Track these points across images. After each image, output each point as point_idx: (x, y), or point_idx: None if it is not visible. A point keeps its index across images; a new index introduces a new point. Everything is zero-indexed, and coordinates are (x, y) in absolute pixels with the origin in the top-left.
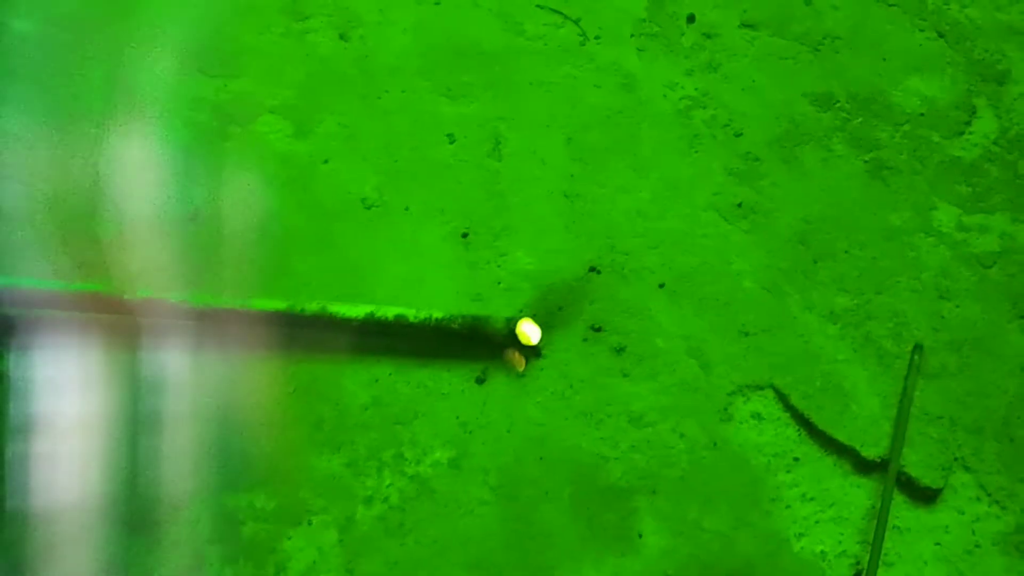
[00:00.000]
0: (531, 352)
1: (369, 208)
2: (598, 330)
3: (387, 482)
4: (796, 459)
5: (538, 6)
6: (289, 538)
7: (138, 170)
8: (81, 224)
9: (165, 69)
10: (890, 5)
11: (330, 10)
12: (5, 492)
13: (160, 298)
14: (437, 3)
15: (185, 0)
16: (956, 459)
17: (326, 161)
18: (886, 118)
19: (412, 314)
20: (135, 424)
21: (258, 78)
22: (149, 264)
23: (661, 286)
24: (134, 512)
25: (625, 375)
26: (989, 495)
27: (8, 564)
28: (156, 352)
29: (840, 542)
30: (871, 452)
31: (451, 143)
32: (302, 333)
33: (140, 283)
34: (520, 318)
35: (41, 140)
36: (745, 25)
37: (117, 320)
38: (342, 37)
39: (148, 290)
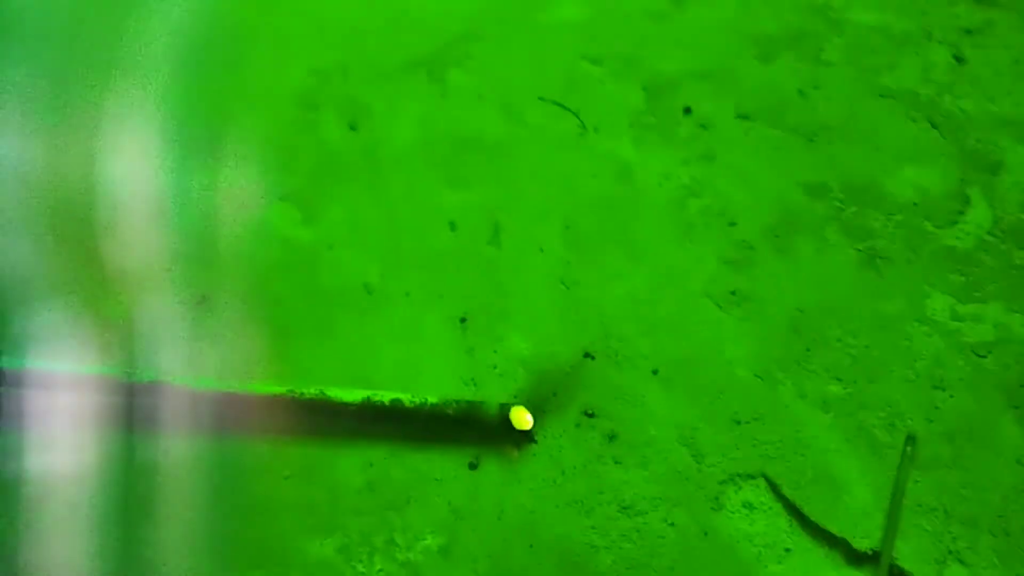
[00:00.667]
0: (524, 438)
1: (371, 293)
2: (591, 416)
3: (378, 568)
4: (787, 550)
5: (540, 98)
6: None
7: (148, 256)
8: (92, 304)
9: (179, 158)
10: (883, 97)
11: (340, 101)
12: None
13: (162, 381)
14: (443, 96)
15: (199, 90)
16: (950, 552)
17: (331, 247)
18: (880, 207)
19: (408, 399)
20: (129, 506)
21: (269, 166)
22: (154, 347)
23: (655, 373)
24: None
25: (617, 462)
26: None
27: None
28: (154, 435)
29: None
30: (863, 544)
31: (452, 230)
32: (299, 417)
33: (144, 366)
34: (514, 404)
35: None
36: (740, 116)
37: (118, 402)
38: (351, 128)
39: (151, 373)
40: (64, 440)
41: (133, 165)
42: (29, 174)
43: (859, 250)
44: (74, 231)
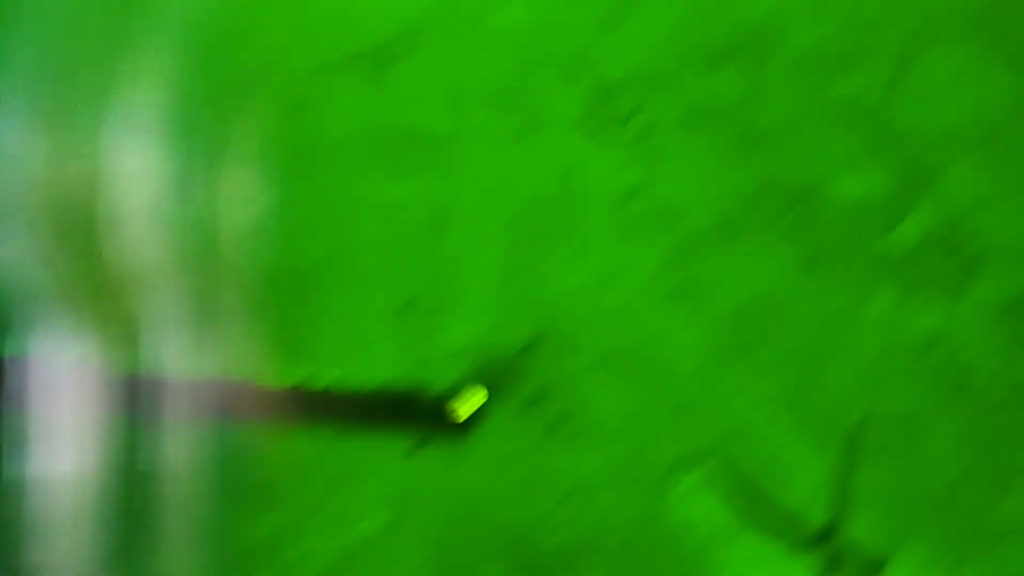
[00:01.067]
0: (468, 424)
1: (310, 280)
2: (536, 402)
3: (315, 550)
4: (735, 535)
5: (483, 98)
6: None
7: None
8: (84, 298)
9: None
10: (826, 106)
11: (278, 93)
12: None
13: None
14: (386, 90)
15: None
16: (903, 531)
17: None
18: (822, 211)
19: (347, 383)
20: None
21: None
22: (155, 341)
23: (601, 360)
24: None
25: (561, 448)
26: (938, 566)
27: None
28: (156, 427)
29: None
30: (812, 527)
31: (394, 219)
32: (234, 401)
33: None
34: (458, 389)
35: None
36: (685, 121)
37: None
38: (290, 118)
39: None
40: (64, 434)
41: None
42: (30, 162)
43: (801, 252)
44: (73, 223)
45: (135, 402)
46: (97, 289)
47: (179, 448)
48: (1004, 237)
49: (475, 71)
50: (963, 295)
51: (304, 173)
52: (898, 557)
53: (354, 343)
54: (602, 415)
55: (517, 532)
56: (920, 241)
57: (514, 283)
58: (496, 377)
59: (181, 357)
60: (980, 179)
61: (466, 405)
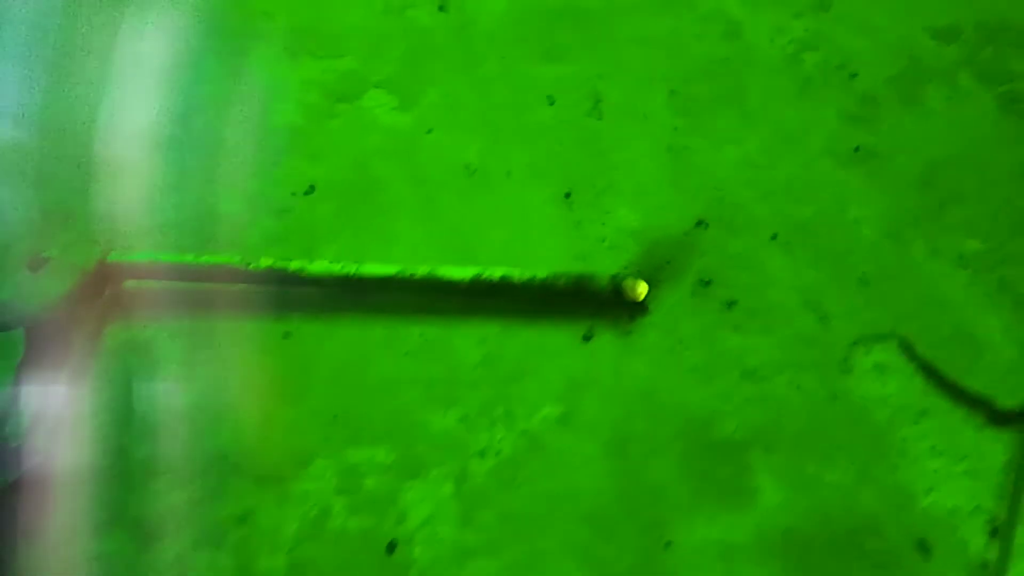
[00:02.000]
0: (639, 309)
1: (472, 174)
2: (707, 284)
3: (499, 437)
4: (923, 411)
5: None
6: (408, 490)
7: (248, 146)
8: (207, 206)
9: (272, 53)
10: None
11: None
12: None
13: (280, 267)
14: None
15: None
16: None
17: (429, 131)
18: (1019, 47)
19: (517, 274)
20: (257, 388)
21: (362, 56)
22: (268, 236)
23: (774, 237)
24: (263, 466)
25: (737, 329)
26: None
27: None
28: (275, 318)
29: (974, 498)
30: (1007, 402)
31: (551, 105)
32: (413, 297)
33: (261, 254)
34: (626, 275)
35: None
36: None
37: (233, 287)
38: (441, 9)
39: (269, 259)
40: (186, 328)
41: (231, 67)
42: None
43: (998, 95)
44: (181, 132)
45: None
46: (210, 177)
47: (301, 336)
48: None
49: None
50: None
51: (460, 65)
52: None
53: (521, 235)
54: (778, 294)
55: (691, 418)
56: None
57: (679, 159)
58: (665, 260)
59: (298, 252)
60: None
61: (636, 289)
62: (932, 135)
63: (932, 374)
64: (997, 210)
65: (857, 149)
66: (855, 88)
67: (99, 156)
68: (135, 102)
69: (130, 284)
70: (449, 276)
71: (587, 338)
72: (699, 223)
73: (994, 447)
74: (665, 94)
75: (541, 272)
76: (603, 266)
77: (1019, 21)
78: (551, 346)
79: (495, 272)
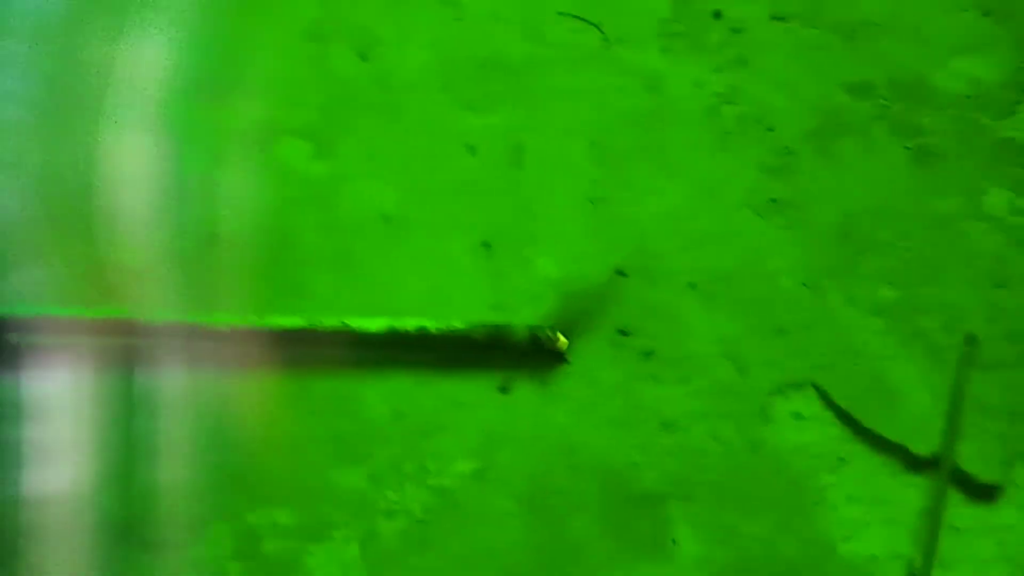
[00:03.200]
0: (556, 359)
1: (389, 223)
2: (626, 335)
3: (409, 495)
4: (841, 459)
5: (559, 13)
6: (311, 554)
7: (155, 193)
8: (92, 247)
9: (184, 95)
10: None
11: (349, 31)
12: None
13: (178, 320)
14: (458, 19)
15: (205, 27)
16: (1018, 453)
17: (346, 179)
18: (930, 103)
19: (433, 325)
20: (154, 446)
21: (279, 101)
22: (167, 287)
23: (692, 287)
24: (156, 532)
25: (655, 379)
26: None
27: None
28: (174, 374)
29: (892, 544)
30: (923, 449)
31: (472, 155)
32: (322, 349)
33: (158, 306)
34: (545, 325)
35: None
36: (775, 18)
37: (134, 344)
38: (361, 57)
39: (166, 313)
40: (77, 384)
41: (136, 104)
42: (25, 119)
43: (909, 148)
44: (75, 176)
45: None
46: (105, 233)
47: (200, 394)
48: None
49: None
50: None
51: (380, 113)
52: (1015, 478)
53: (439, 285)
54: (696, 344)
55: (610, 470)
56: None
57: (599, 210)
58: (584, 310)
59: (197, 303)
60: None
61: (555, 339)
62: (848, 187)
63: (850, 422)
64: (911, 259)
65: (775, 201)
66: (773, 141)
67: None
68: (39, 145)
69: (14, 338)
70: (361, 328)
71: (504, 390)
72: (618, 273)
73: (911, 493)
74: (586, 145)
75: (458, 323)
76: (522, 316)
77: (929, 78)
78: (466, 399)
79: (410, 323)
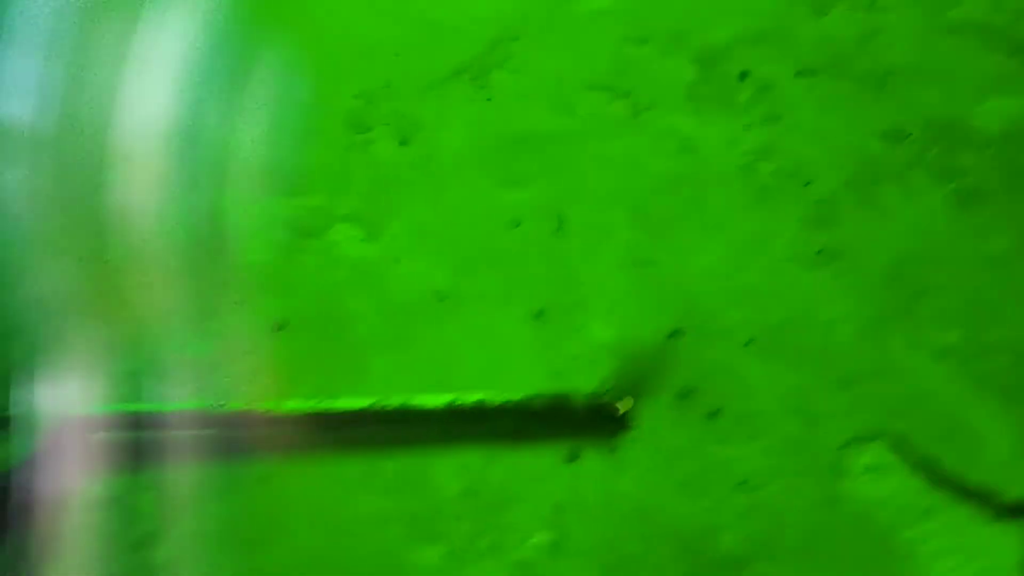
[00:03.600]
0: (620, 425)
1: (443, 300)
2: (688, 395)
3: (489, 570)
4: (926, 511)
5: (587, 86)
6: None
7: (220, 289)
8: (174, 351)
9: (238, 193)
10: (952, 33)
11: (389, 119)
12: None
13: (251, 408)
14: (489, 99)
15: (252, 126)
16: None
17: (398, 260)
18: (967, 144)
19: (493, 398)
20: (235, 535)
21: (327, 191)
22: (239, 377)
23: (749, 343)
24: None
25: (723, 439)
26: None
27: None
28: (250, 461)
29: None
30: (1013, 494)
31: (516, 227)
32: (388, 430)
33: (232, 395)
34: (605, 390)
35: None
36: (801, 73)
37: (213, 433)
38: (402, 143)
39: (239, 402)
40: (159, 477)
41: (192, 201)
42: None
43: (950, 190)
44: (141, 266)
45: (230, 438)
46: (174, 326)
47: (277, 480)
48: None
49: (572, 63)
50: None
51: (424, 195)
52: None
53: (495, 357)
54: (760, 400)
55: (687, 534)
56: None
57: (646, 273)
58: (642, 374)
59: (268, 390)
60: None
61: (618, 405)
62: (893, 233)
63: (931, 470)
64: (968, 301)
65: (820, 252)
66: (811, 194)
67: (58, 306)
68: (99, 244)
69: (96, 437)
70: (423, 404)
71: (571, 459)
72: (673, 334)
73: (1005, 542)
74: (627, 211)
75: (517, 394)
76: (580, 383)
77: (963, 119)
78: (534, 470)
79: (470, 397)
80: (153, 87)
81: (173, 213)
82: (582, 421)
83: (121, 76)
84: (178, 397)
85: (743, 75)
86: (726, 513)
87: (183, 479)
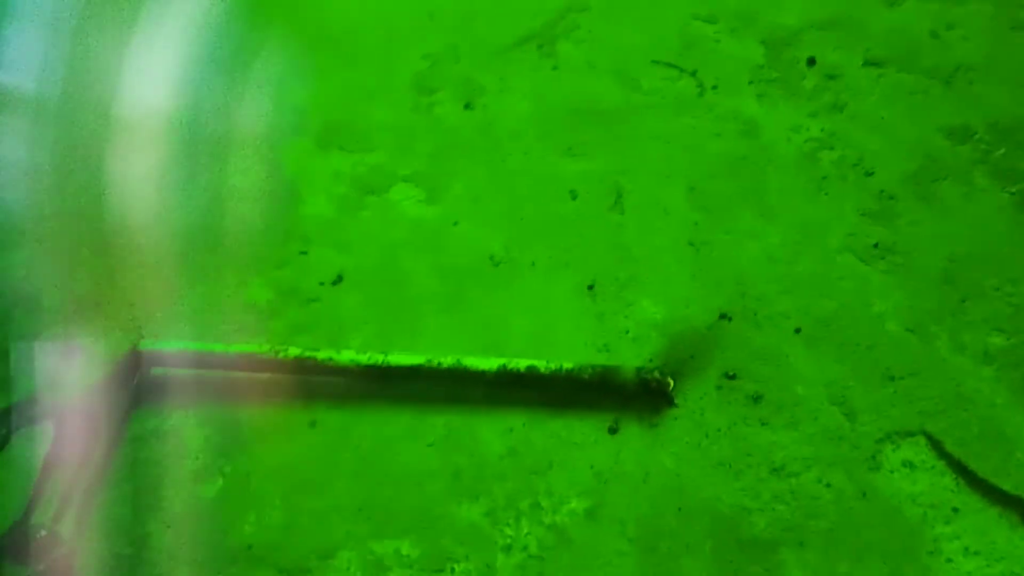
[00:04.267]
0: (664, 401)
1: (497, 265)
2: (732, 378)
3: (525, 531)
4: (955, 509)
5: (653, 62)
6: None
7: (287, 236)
8: (236, 295)
9: (309, 148)
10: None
11: (455, 83)
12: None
13: (308, 356)
14: (555, 68)
15: (325, 84)
16: None
17: (456, 223)
18: None
19: (543, 365)
20: (283, 477)
21: (391, 150)
22: (296, 325)
23: (797, 331)
24: (287, 558)
25: (764, 424)
26: None
27: None
28: (304, 407)
29: None
30: None
31: (573, 199)
32: (439, 387)
33: (289, 343)
34: (651, 367)
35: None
36: (869, 63)
37: (269, 377)
38: (467, 107)
39: (296, 349)
40: (213, 416)
41: (263, 159)
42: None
43: (1012, 193)
44: (214, 221)
45: (287, 382)
46: (241, 274)
47: (328, 426)
48: None
49: (639, 38)
50: None
51: (485, 160)
52: None
53: (545, 326)
54: (804, 389)
55: (720, 514)
56: None
57: (700, 254)
58: (689, 353)
59: (327, 340)
60: None
61: (662, 382)
62: (950, 232)
63: (963, 472)
64: (1019, 307)
65: (876, 245)
66: (872, 185)
67: (129, 244)
68: (169, 192)
69: (158, 372)
70: (475, 366)
71: (613, 430)
72: (722, 316)
73: None
74: (685, 190)
75: (567, 363)
76: (627, 358)
77: None
78: (577, 438)
79: (521, 363)
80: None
81: (237, 163)
82: (627, 394)
83: (170, 39)
84: (235, 340)
85: (811, 61)
86: (760, 496)
87: (236, 420)
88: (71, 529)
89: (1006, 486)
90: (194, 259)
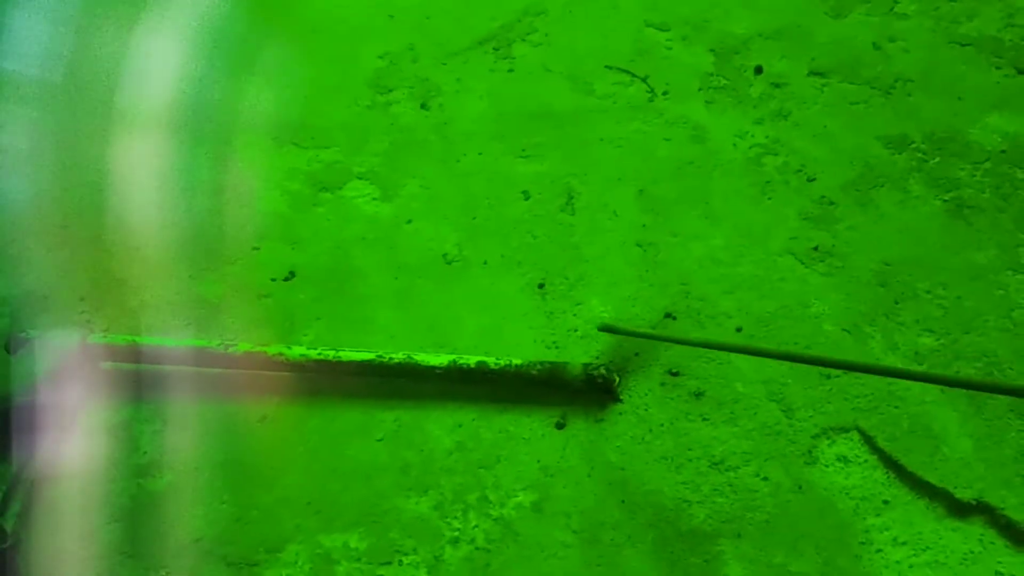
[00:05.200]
0: (610, 398)
1: (450, 263)
2: (676, 375)
3: (473, 524)
4: (886, 502)
5: (607, 67)
6: None
7: (234, 230)
8: (187, 290)
9: (264, 143)
10: (964, 45)
11: (411, 82)
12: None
13: (259, 351)
14: (511, 71)
15: (282, 80)
16: None
17: (409, 221)
18: (965, 157)
19: (492, 361)
20: (233, 471)
21: (346, 148)
22: (247, 321)
23: (738, 331)
24: (237, 552)
25: (705, 419)
26: None
27: None
28: (254, 402)
29: None
30: (965, 494)
31: (526, 200)
32: (389, 382)
33: (240, 338)
34: (598, 364)
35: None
36: (814, 73)
37: (219, 372)
38: (423, 107)
39: (247, 344)
40: (162, 410)
41: (217, 154)
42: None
43: (945, 201)
44: (168, 215)
45: (234, 377)
46: (193, 270)
47: (275, 421)
48: None
49: (594, 43)
50: None
51: (440, 159)
52: None
53: (496, 323)
54: (743, 386)
55: (662, 506)
56: None
57: (647, 255)
58: (634, 351)
59: (276, 336)
60: None
61: (608, 379)
62: (885, 237)
63: (893, 466)
64: (950, 309)
65: (816, 248)
66: (813, 191)
67: (80, 239)
68: (119, 187)
69: (108, 366)
70: (425, 362)
71: (560, 425)
72: (667, 315)
73: (954, 538)
74: (634, 192)
75: (516, 360)
76: (575, 355)
77: (964, 133)
78: (525, 433)
79: (471, 359)
80: (174, 44)
81: (192, 160)
82: (574, 391)
83: (140, 35)
84: (185, 335)
85: (758, 70)
86: (701, 489)
87: (185, 414)
88: (16, 523)
89: (933, 479)
90: (145, 253)
